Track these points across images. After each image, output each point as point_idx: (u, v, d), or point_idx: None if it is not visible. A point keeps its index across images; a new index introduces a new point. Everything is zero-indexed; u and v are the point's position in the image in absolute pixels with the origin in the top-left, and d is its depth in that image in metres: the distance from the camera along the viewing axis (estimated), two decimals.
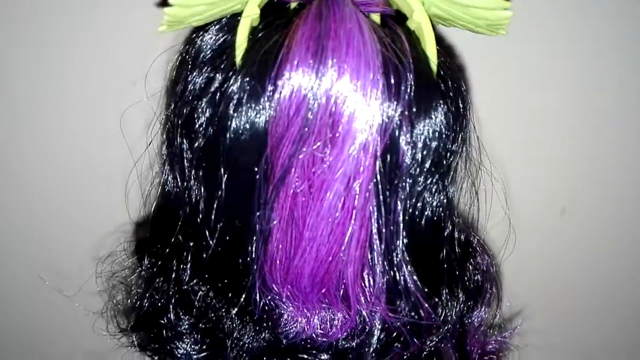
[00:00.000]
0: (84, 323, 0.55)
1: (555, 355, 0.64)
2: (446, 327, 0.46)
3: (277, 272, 0.43)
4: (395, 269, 0.43)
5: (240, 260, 0.43)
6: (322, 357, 0.46)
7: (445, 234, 0.46)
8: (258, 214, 0.41)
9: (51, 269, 0.58)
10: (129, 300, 0.52)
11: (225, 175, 0.41)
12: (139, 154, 0.51)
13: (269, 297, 0.44)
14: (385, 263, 0.43)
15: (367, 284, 0.43)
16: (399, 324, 0.44)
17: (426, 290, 0.44)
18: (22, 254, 0.60)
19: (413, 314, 0.44)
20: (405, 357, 0.46)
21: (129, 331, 0.52)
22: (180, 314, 0.47)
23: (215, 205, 0.42)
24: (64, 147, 0.57)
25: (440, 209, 0.44)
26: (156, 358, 0.52)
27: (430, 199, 0.43)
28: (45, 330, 0.62)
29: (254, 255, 0.42)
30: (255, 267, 0.42)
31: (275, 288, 0.44)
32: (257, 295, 0.44)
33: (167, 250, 0.46)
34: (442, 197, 0.44)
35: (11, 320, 0.62)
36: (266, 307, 0.44)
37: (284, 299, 0.44)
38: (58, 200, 0.59)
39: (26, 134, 0.57)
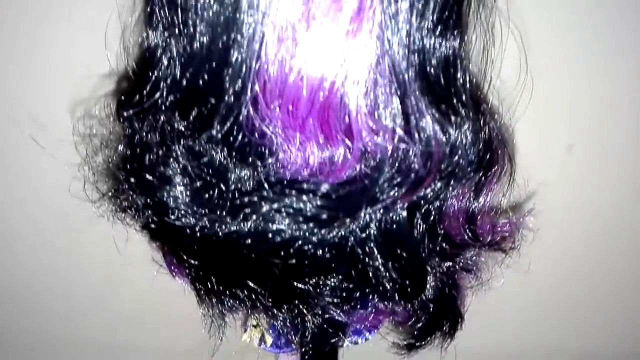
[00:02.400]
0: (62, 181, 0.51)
1: (570, 236, 0.60)
2: (457, 160, 0.41)
3: (270, 93, 0.39)
4: (403, 96, 0.39)
5: (228, 78, 0.38)
6: (322, 188, 0.41)
7: (458, 76, 0.41)
8: (248, 18, 0.36)
9: (26, 118, 0.54)
10: (110, 157, 0.47)
11: None
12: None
13: (264, 126, 0.39)
14: (392, 88, 0.39)
15: (371, 110, 0.39)
16: (408, 154, 0.39)
17: (436, 115, 0.39)
18: None
19: (423, 136, 0.39)
20: (412, 197, 0.42)
21: (113, 190, 0.47)
22: (169, 157, 0.43)
23: (198, 13, 0.37)
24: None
25: (449, 49, 0.40)
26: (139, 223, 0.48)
27: (437, 35, 0.39)
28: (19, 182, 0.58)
29: (243, 70, 0.37)
30: (246, 84, 0.38)
31: (269, 114, 0.39)
32: (249, 122, 0.39)
33: (148, 89, 0.42)
34: (449, 37, 0.39)
35: None
36: (257, 135, 0.40)
37: (278, 128, 0.40)
38: (35, 49, 0.54)
39: None
